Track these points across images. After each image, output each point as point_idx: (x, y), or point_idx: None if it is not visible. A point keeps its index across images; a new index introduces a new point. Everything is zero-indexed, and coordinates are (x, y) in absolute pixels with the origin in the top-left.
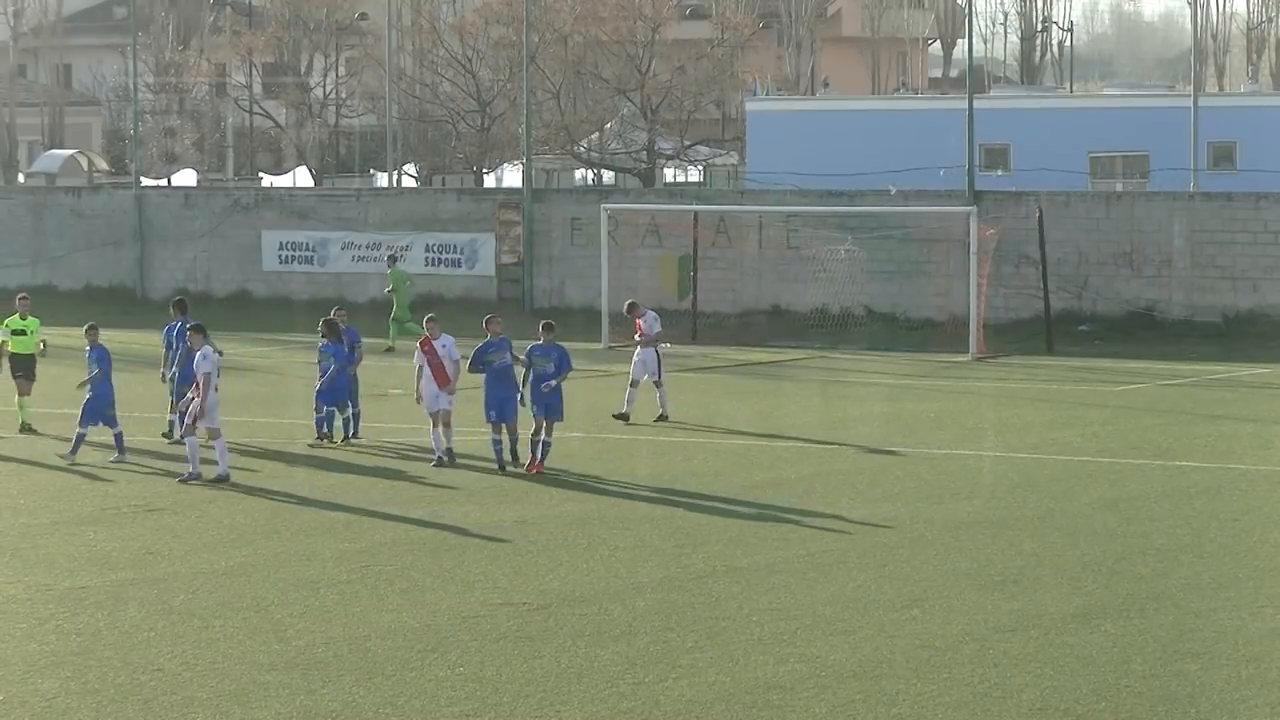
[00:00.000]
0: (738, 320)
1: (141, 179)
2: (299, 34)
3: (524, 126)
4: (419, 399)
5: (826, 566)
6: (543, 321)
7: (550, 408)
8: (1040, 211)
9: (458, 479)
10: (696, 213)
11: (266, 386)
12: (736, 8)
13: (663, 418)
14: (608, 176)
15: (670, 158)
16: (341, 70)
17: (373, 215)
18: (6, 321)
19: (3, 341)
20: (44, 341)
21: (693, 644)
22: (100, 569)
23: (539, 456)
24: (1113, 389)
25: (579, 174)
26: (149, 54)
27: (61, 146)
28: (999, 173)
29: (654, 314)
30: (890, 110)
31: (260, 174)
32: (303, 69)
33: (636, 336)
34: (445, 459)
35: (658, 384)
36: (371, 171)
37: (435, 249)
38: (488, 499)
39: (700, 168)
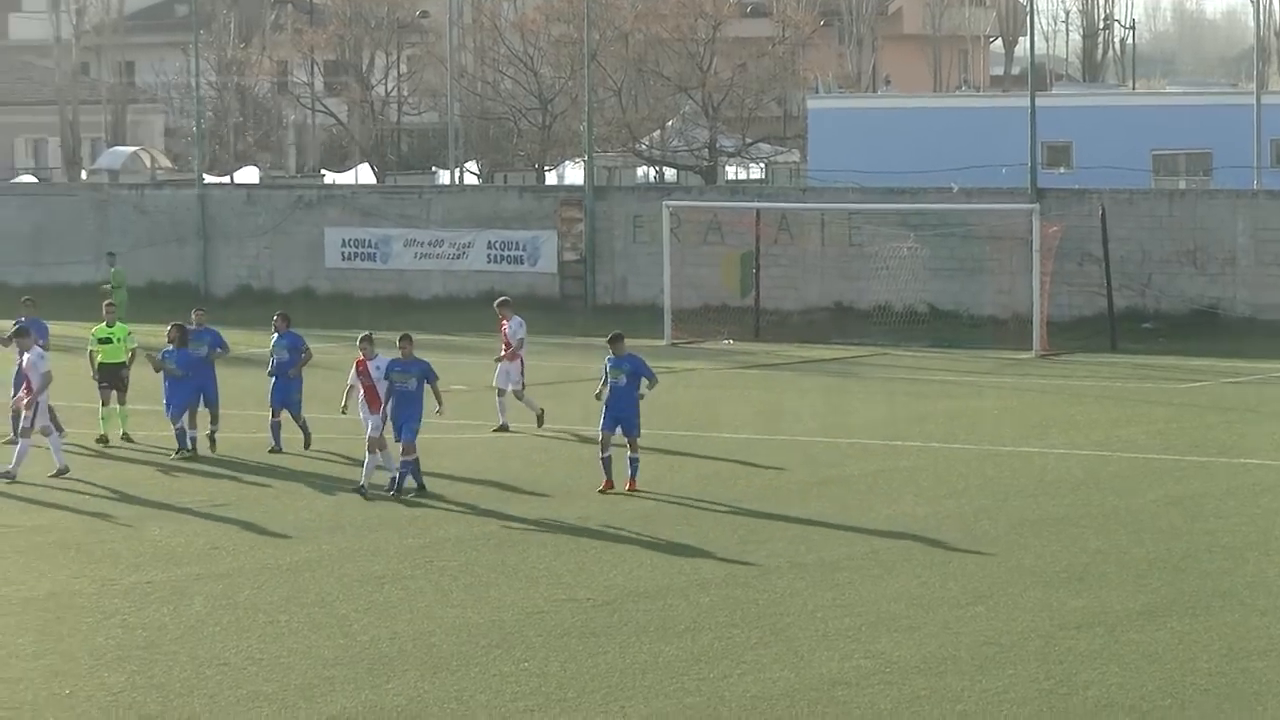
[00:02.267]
0: (800, 317)
1: (204, 176)
2: (360, 31)
3: (585, 124)
4: (344, 409)
5: (891, 563)
6: (611, 334)
7: (626, 422)
8: (1103, 209)
9: (519, 476)
10: (758, 210)
11: (329, 383)
12: (798, 5)
13: (503, 428)
14: (669, 174)
15: (732, 155)
16: (403, 68)
17: (435, 212)
18: (94, 330)
19: (91, 350)
20: (133, 351)
21: (757, 640)
22: (165, 564)
23: (632, 473)
24: (1176, 386)
25: (640, 171)
26: (211, 51)
27: (124, 144)
28: (1061, 170)
29: (520, 320)
30: (952, 108)
31: (322, 171)
32: (364, 66)
33: (502, 335)
34: (367, 488)
35: (503, 392)
36: (433, 169)
37: (497, 246)
38: (551, 496)
39: (762, 165)
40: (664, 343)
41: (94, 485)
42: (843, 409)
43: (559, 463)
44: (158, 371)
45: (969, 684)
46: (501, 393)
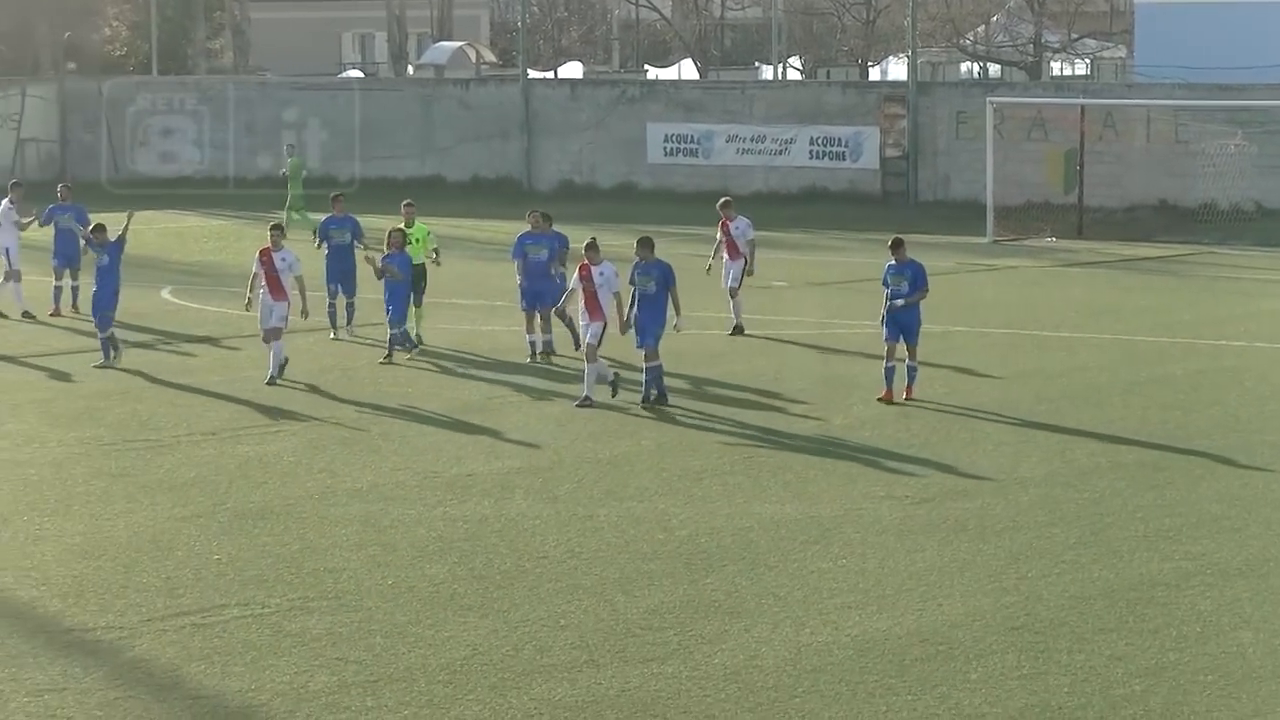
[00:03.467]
0: (1124, 215)
1: (528, 71)
2: None
3: (910, 19)
4: (563, 317)
5: (1212, 464)
6: (892, 239)
7: (907, 330)
8: None
9: (834, 373)
10: (1083, 106)
11: None
12: None
13: (738, 329)
14: (993, 69)
15: (1057, 50)
16: None
17: (757, 108)
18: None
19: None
20: (436, 250)
21: (1076, 539)
22: (487, 457)
23: (909, 381)
24: None
25: (964, 67)
26: None
27: (450, 39)
28: None
29: (747, 220)
30: None
31: (645, 66)
32: None
33: (719, 235)
34: (592, 399)
35: (733, 292)
36: (756, 64)
37: (819, 142)
38: (869, 395)
39: (1087, 61)
40: (986, 240)
41: (416, 379)
42: (1166, 307)
43: (862, 366)
44: (380, 277)
45: None
46: (734, 293)
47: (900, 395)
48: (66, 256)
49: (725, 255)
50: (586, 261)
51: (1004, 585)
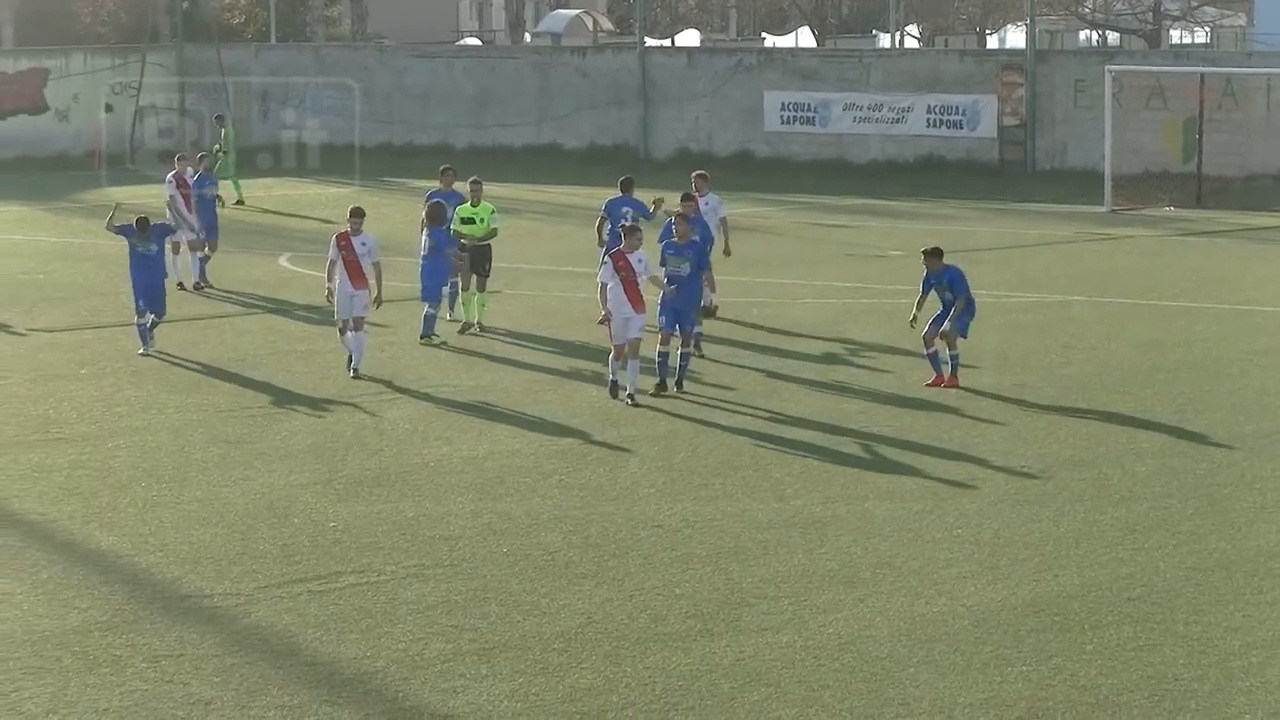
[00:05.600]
0: (1244, 184)
1: (645, 39)
2: None
3: None
4: (605, 319)
5: None
6: (931, 247)
7: (950, 325)
8: None
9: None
10: (1203, 75)
11: (768, 248)
12: None
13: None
14: (1112, 38)
15: (1177, 19)
16: None
17: (874, 76)
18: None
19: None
20: (495, 229)
21: (1193, 510)
22: (602, 425)
23: (952, 369)
24: None
25: (1083, 35)
26: None
27: (568, 7)
28: None
29: (719, 198)
30: None
31: (762, 34)
32: None
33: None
34: (630, 398)
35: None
36: (874, 32)
37: (936, 110)
38: (987, 365)
39: (1207, 29)
40: (1104, 209)
41: (529, 348)
42: None
43: (978, 334)
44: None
45: None
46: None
47: (954, 382)
48: (205, 227)
49: None
50: (623, 249)
51: (1120, 556)
